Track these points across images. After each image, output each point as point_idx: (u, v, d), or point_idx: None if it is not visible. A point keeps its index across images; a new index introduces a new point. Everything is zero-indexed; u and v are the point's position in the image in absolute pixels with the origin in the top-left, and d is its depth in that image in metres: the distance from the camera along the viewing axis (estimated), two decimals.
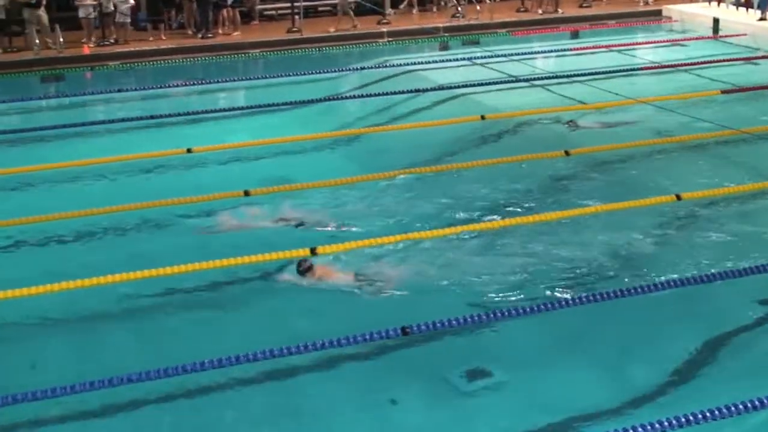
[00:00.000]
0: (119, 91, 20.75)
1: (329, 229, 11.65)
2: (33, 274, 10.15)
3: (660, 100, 17.34)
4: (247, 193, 12.61)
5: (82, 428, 7.74)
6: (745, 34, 24.62)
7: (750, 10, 26.75)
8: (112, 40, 25.15)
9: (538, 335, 9.01)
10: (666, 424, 6.98)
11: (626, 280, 9.86)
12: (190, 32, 26.12)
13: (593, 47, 23.48)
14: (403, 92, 19.02)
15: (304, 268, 10.09)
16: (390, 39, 26.00)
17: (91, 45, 24.73)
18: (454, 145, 15.15)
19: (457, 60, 22.67)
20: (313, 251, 10.52)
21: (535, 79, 20.01)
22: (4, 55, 24.27)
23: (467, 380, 8.16)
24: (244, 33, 26.26)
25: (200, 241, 11.40)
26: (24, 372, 8.59)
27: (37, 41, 23.95)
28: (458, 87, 19.27)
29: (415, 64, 22.16)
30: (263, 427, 7.72)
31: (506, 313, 9.05)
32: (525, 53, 22.83)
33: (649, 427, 6.95)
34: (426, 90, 19.18)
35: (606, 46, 23.36)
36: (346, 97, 19.02)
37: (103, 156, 14.86)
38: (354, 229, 11.58)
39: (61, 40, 24.00)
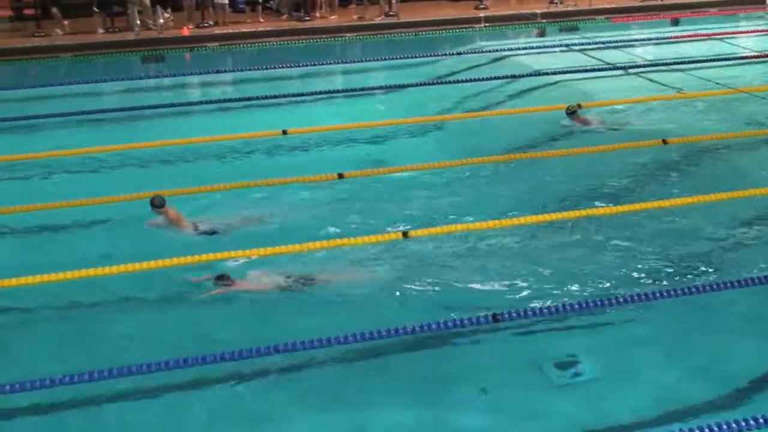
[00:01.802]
0: (217, 72, 21.00)
1: (421, 212, 11.63)
2: (136, 250, 10.34)
3: (762, 90, 16.97)
4: (341, 176, 12.67)
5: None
6: None
7: None
8: (211, 22, 25.43)
9: (631, 327, 8.89)
10: (761, 421, 6.86)
11: (723, 273, 9.69)
12: (287, 15, 26.28)
13: (693, 35, 23.05)
14: (498, 78, 18.90)
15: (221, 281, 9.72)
16: (487, 24, 25.84)
17: (191, 27, 25.03)
18: (549, 132, 15.02)
19: (554, 46, 22.45)
20: (405, 234, 10.54)
21: (633, 67, 19.73)
22: (106, 36, 24.68)
23: (557, 370, 8.11)
24: (341, 16, 26.32)
25: (295, 220, 11.48)
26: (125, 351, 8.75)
27: (138, 22, 24.32)
28: (554, 73, 19.09)
29: (511, 49, 22.02)
30: (365, 407, 7.73)
31: (599, 304, 8.94)
32: (623, 40, 22.53)
33: (743, 423, 6.82)
34: (522, 76, 19.03)
35: (707, 35, 22.92)
36: (441, 82, 18.94)
37: (201, 136, 15.05)
38: (445, 214, 11.55)
39: (161, 21, 24.33)
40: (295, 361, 8.20)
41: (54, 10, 25.01)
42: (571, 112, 15.04)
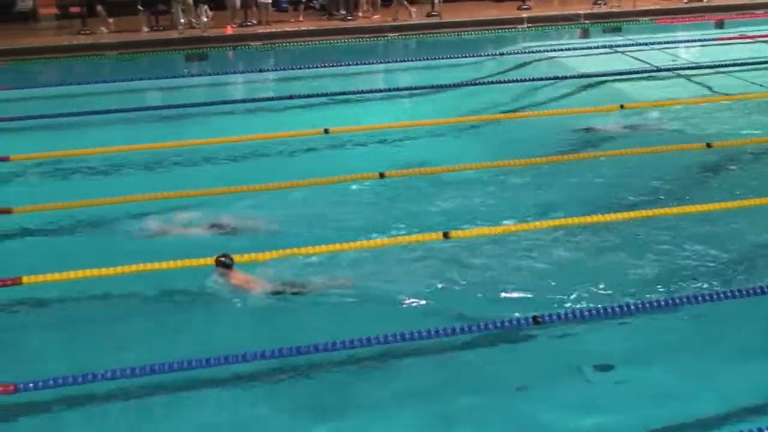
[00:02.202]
0: (260, 71, 21.10)
1: (462, 213, 11.62)
2: (179, 248, 10.41)
3: None
4: (382, 175, 12.68)
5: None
6: None
7: None
8: (254, 21, 25.55)
9: (673, 331, 8.83)
10: None
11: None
12: (329, 15, 26.35)
13: (738, 37, 22.89)
14: (540, 79, 18.85)
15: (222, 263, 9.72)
16: (530, 25, 25.79)
17: (234, 25, 25.16)
18: (591, 134, 14.95)
19: (597, 47, 22.34)
20: (446, 235, 10.54)
21: (677, 69, 19.60)
22: (150, 34, 24.89)
23: (597, 373, 8.06)
24: (384, 16, 26.35)
25: (335, 220, 11.51)
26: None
27: (183, 20, 24.48)
28: (597, 75, 19.01)
29: (554, 50, 21.96)
30: (401, 409, 7.73)
31: (639, 307, 8.87)
32: (668, 42, 22.38)
33: None
34: (564, 77, 18.97)
35: (752, 37, 22.72)
36: (484, 83, 18.91)
37: (243, 134, 15.12)
38: (485, 215, 11.52)
39: (205, 19, 24.48)
40: (334, 359, 8.21)
41: (99, 8, 25.26)
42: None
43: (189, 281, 9.67)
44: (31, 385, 7.49)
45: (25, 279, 9.45)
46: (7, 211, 11.58)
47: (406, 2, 26.16)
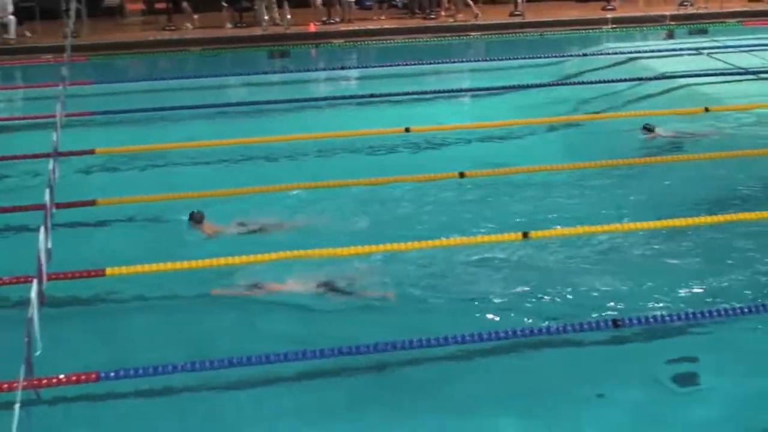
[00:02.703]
0: (342, 68, 21.19)
1: (542, 213, 11.54)
2: (259, 243, 10.51)
3: None
4: (462, 175, 12.65)
5: None
6: None
7: None
8: (337, 19, 25.67)
9: (758, 339, 8.66)
10: None
11: None
12: (411, 13, 26.36)
13: None
14: (623, 80, 18.66)
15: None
16: (614, 26, 25.54)
17: (317, 23, 25.30)
18: (674, 136, 14.75)
19: (682, 49, 22.05)
20: (525, 235, 10.47)
21: (765, 72, 19.24)
22: (234, 30, 25.13)
23: (677, 379, 7.94)
24: (466, 15, 26.30)
25: (416, 218, 11.51)
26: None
27: (266, 17, 24.68)
28: (682, 77, 18.76)
29: (638, 52, 21.71)
30: (479, 409, 7.70)
31: (722, 313, 8.73)
32: (755, 44, 21.97)
33: None
34: (648, 79, 18.76)
35: None
36: (566, 83, 18.78)
37: (324, 131, 15.20)
38: (566, 216, 11.43)
39: (288, 16, 24.65)
40: (413, 358, 8.20)
41: (184, 4, 25.58)
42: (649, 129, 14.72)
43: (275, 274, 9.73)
44: (112, 374, 7.60)
45: (108, 270, 9.60)
46: (92, 204, 11.78)
47: (471, 2, 26.05)
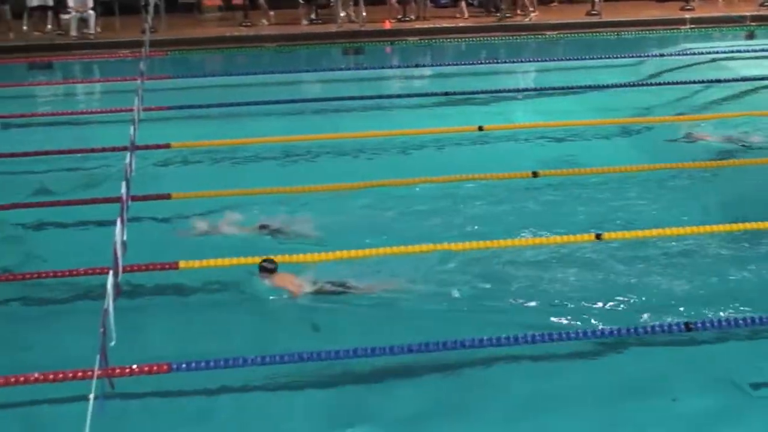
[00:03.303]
0: (416, 66, 21.19)
1: (615, 215, 11.44)
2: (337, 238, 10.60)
3: None
4: (535, 174, 12.60)
5: None
6: None
7: None
8: (412, 17, 25.68)
9: None
10: None
11: None
12: (486, 12, 26.30)
13: None
14: (701, 81, 18.43)
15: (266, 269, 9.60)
16: (693, 26, 25.22)
17: (392, 20, 25.34)
18: (752, 139, 14.52)
19: (763, 50, 21.68)
20: (598, 236, 10.41)
21: None
22: (309, 27, 25.26)
23: (752, 383, 7.81)
24: (543, 14, 26.16)
25: (489, 217, 11.46)
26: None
27: (342, 14, 24.77)
28: (762, 79, 18.46)
29: (717, 52, 21.41)
30: (548, 410, 7.67)
31: None
32: None
33: None
34: (726, 80, 18.48)
35: None
36: (642, 84, 18.59)
37: (397, 129, 15.23)
38: (639, 218, 11.32)
39: (364, 13, 24.71)
40: (479, 357, 8.19)
41: (261, 1, 25.77)
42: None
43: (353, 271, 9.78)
44: (183, 365, 7.69)
45: (182, 263, 9.72)
46: (166, 197, 11.92)
47: (527, 2, 25.86)
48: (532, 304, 9.20)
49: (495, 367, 8.15)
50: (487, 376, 8.06)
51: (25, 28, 24.78)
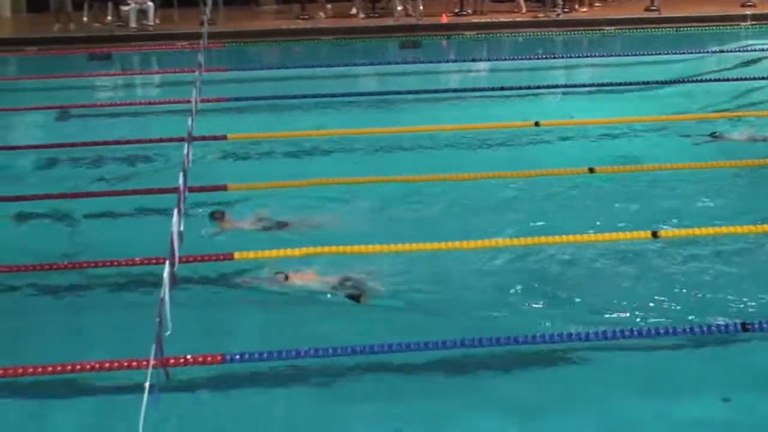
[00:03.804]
0: (473, 60, 21.14)
1: (671, 213, 11.34)
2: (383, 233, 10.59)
3: None
4: (592, 171, 12.52)
5: None
6: None
7: None
8: (469, 11, 25.62)
9: None
10: None
11: None
12: (544, 6, 26.16)
13: None
14: (762, 78, 18.19)
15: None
16: (754, 22, 24.91)
17: (449, 14, 25.29)
18: None
19: None
20: (654, 234, 10.33)
21: None
22: (366, 20, 25.29)
23: None
24: (601, 9, 25.97)
25: (544, 213, 11.43)
26: None
27: (399, 8, 24.77)
28: None
29: None
30: (601, 403, 7.63)
31: None
32: None
33: None
34: None
35: None
36: (701, 80, 18.42)
37: (452, 123, 15.20)
38: (695, 216, 11.18)
39: (421, 7, 24.69)
40: (538, 351, 8.16)
41: None
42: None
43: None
44: (237, 356, 7.74)
45: (236, 255, 9.78)
46: (223, 188, 12.00)
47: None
48: (587, 301, 9.14)
49: (552, 363, 8.10)
50: (544, 373, 8.01)
51: (85, 19, 25.11)
